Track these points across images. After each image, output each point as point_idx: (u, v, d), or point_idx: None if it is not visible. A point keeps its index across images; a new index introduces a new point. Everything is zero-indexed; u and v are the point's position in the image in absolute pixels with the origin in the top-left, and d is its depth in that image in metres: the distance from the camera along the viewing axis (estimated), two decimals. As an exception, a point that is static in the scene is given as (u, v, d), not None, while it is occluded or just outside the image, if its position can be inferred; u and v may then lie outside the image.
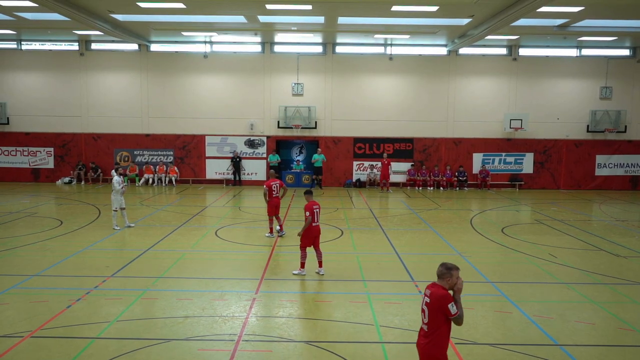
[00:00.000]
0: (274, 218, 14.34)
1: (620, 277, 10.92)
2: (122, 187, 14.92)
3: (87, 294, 9.31)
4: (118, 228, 14.86)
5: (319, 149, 25.25)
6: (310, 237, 10.56)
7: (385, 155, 24.88)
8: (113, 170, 15.39)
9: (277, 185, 14.16)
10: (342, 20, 20.53)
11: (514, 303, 9.11)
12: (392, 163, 25.22)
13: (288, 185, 22.95)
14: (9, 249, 12.53)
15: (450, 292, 5.11)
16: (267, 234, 14.32)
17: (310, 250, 10.75)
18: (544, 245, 13.57)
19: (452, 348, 7.27)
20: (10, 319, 8.13)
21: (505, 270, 11.48)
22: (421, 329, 5.28)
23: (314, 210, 10.55)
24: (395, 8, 17.96)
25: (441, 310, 5.02)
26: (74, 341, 7.39)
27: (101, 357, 6.87)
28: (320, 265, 10.73)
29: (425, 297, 5.19)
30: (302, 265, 10.67)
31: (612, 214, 19.08)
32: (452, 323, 5.11)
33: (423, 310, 5.21)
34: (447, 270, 5.14)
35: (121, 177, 15.07)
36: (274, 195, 14.04)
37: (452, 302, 5.01)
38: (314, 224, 10.55)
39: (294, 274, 10.65)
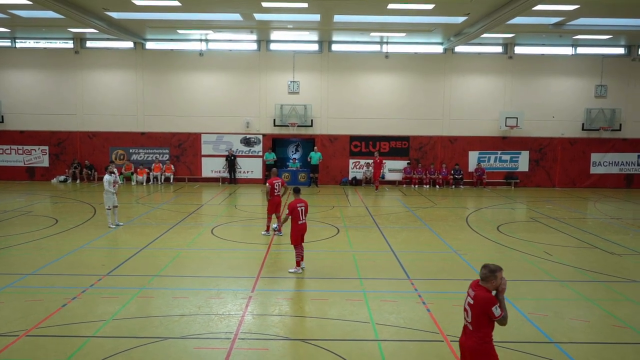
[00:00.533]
0: (273, 216, 14.33)
1: (614, 274, 10.97)
2: (114, 186, 14.81)
3: (83, 292, 9.29)
4: (113, 226, 14.82)
5: (316, 147, 25.26)
6: (298, 234, 10.66)
7: (376, 154, 24.84)
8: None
9: (279, 183, 14.16)
10: (337, 18, 20.52)
11: (509, 300, 9.10)
12: (388, 161, 25.30)
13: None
14: (4, 248, 12.48)
15: (494, 292, 5.10)
16: (263, 232, 14.31)
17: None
18: (539, 243, 13.63)
19: (447, 346, 7.30)
20: (5, 317, 8.11)
21: (501, 268, 11.51)
22: (465, 327, 5.28)
23: (298, 209, 10.61)
24: (391, 6, 17.96)
25: (485, 313, 5.03)
26: (69, 340, 7.37)
27: (97, 355, 6.86)
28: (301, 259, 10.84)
29: (469, 298, 5.19)
30: (298, 263, 10.70)
31: (607, 212, 19.17)
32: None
33: (466, 310, 5.20)
34: (491, 273, 5.10)
35: (112, 175, 14.91)
36: (275, 194, 14.03)
37: (496, 305, 5.00)
38: (299, 222, 10.63)
39: (290, 272, 10.66)
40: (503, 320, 5.05)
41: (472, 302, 5.12)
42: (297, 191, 11.27)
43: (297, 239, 10.67)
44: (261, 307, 8.81)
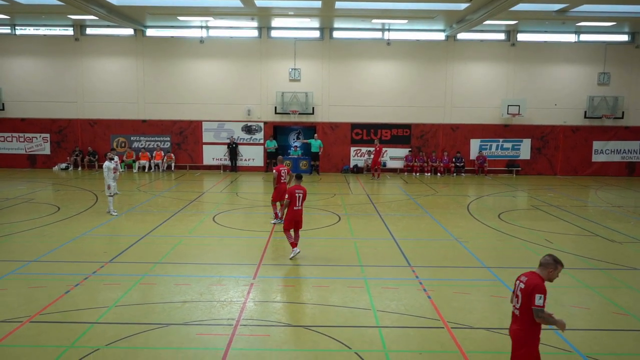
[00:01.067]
0: (277, 204, 14.29)
1: (615, 262, 11.00)
2: (114, 173, 14.79)
3: (86, 279, 9.33)
4: (116, 214, 14.85)
5: (316, 135, 25.22)
6: (292, 220, 10.69)
7: (376, 141, 24.76)
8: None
9: (285, 171, 14.14)
10: (339, 4, 20.35)
11: (509, 288, 9.12)
12: (389, 149, 25.24)
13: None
14: (7, 235, 12.54)
15: (546, 284, 5.15)
16: (272, 221, 14.23)
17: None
18: (540, 231, 13.64)
19: (448, 332, 7.34)
20: (9, 304, 8.16)
21: (501, 255, 11.55)
22: (513, 314, 5.34)
23: (296, 195, 10.65)
24: (393, -8, 17.83)
25: (529, 297, 5.07)
26: (72, 326, 7.43)
27: (99, 341, 6.91)
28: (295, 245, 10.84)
29: (520, 283, 5.25)
30: (293, 245, 10.74)
31: (608, 200, 19.16)
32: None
33: (517, 296, 5.25)
34: (554, 262, 5.21)
35: (112, 162, 14.88)
36: (282, 181, 14.02)
37: (542, 295, 5.03)
38: (295, 208, 10.66)
39: (290, 258, 10.70)
40: (539, 313, 5.05)
41: (523, 287, 5.18)
42: (298, 177, 11.29)
43: (290, 224, 10.72)
44: (263, 294, 8.85)
